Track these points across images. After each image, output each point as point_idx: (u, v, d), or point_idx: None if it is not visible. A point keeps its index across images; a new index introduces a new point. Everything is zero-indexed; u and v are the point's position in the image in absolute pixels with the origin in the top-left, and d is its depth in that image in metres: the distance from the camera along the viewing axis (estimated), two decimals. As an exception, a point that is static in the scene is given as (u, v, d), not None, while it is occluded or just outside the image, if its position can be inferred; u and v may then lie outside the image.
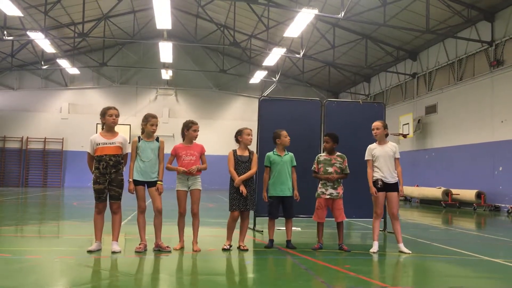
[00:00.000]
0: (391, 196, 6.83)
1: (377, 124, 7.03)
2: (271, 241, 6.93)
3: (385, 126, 7.04)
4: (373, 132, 7.03)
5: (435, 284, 5.10)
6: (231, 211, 6.69)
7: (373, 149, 6.97)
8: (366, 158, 7.00)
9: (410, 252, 6.68)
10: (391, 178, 6.83)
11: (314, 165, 7.12)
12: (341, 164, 7.00)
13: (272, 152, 7.08)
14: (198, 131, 6.68)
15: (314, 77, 30.29)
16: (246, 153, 6.79)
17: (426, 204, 20.39)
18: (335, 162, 7.00)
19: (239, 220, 6.76)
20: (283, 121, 8.45)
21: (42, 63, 27.42)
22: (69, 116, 30.69)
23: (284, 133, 7.08)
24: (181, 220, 6.63)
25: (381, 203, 6.87)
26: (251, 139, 6.87)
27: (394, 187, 6.85)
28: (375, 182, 6.84)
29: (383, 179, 6.81)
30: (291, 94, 29.38)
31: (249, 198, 6.65)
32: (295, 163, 7.07)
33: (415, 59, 23.20)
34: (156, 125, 6.44)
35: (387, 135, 7.07)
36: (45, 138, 30.21)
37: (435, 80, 21.71)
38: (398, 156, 6.94)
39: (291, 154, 7.10)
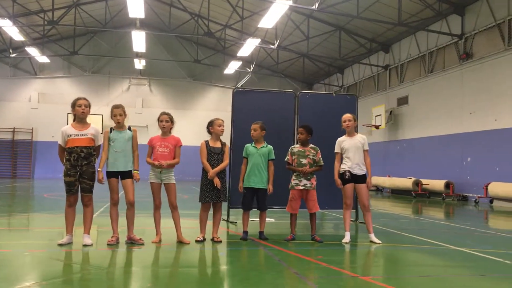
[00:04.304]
0: (361, 188, 6.93)
1: (348, 116, 7.08)
2: (245, 232, 6.94)
3: (355, 119, 7.14)
4: (344, 124, 7.07)
5: (405, 274, 5.24)
6: (202, 202, 6.70)
7: (343, 142, 7.04)
8: (335, 151, 7.07)
9: (381, 242, 6.81)
10: (359, 170, 6.92)
11: (287, 157, 7.14)
12: (314, 156, 7.06)
13: (251, 143, 7.09)
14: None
15: (288, 68, 30.36)
16: (219, 144, 6.77)
17: (397, 194, 20.78)
18: (309, 154, 7.05)
19: (211, 212, 6.77)
20: (257, 112, 8.47)
21: (11, 51, 26.67)
22: (39, 106, 30.02)
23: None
24: (157, 213, 6.58)
25: (350, 194, 6.94)
26: (223, 129, 6.83)
27: (362, 179, 6.94)
28: (342, 174, 6.92)
29: (350, 170, 6.88)
30: (265, 85, 29.42)
31: (221, 190, 6.65)
32: (273, 157, 7.02)
33: (388, 51, 23.50)
34: (120, 115, 6.24)
35: (356, 127, 7.16)
36: (14, 128, 29.50)
37: (406, 72, 22.06)
38: (366, 148, 7.01)
39: (270, 147, 7.05)
